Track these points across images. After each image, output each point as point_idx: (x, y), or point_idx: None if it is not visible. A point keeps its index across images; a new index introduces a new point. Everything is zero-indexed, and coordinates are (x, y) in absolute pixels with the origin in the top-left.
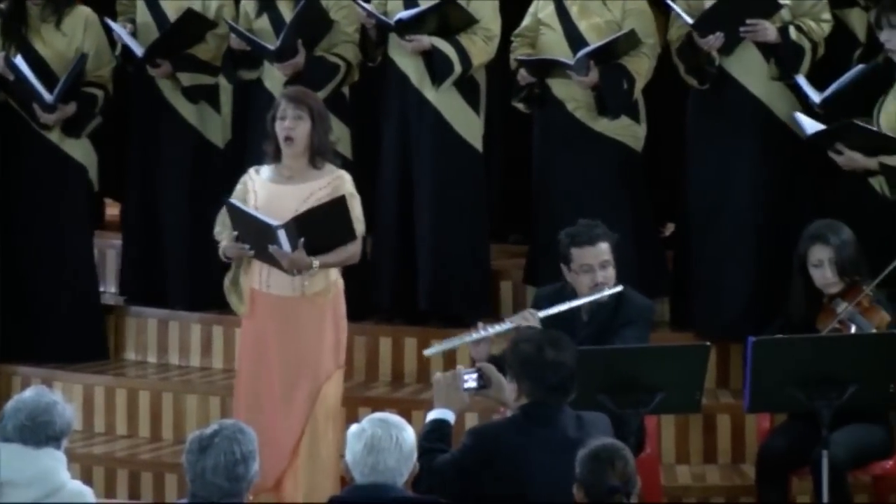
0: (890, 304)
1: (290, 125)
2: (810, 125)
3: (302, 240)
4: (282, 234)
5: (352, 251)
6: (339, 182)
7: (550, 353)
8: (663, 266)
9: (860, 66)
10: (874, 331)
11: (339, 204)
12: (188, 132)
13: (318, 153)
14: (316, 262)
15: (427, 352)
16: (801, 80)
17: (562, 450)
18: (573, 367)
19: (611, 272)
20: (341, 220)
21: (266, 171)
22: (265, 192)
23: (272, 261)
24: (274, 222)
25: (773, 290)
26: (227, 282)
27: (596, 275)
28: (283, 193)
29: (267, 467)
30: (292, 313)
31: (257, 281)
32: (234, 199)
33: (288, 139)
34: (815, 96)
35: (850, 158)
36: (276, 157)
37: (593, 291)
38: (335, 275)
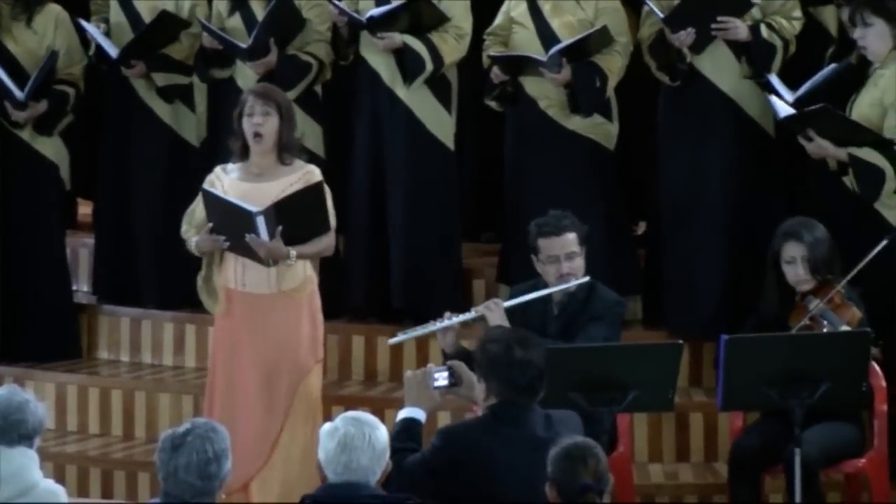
0: (862, 302)
1: (259, 121)
2: (783, 108)
3: (280, 228)
4: (261, 221)
5: (326, 243)
6: (309, 177)
7: (518, 353)
8: (635, 264)
9: (833, 66)
10: (846, 327)
11: (316, 190)
12: (163, 131)
13: (286, 149)
14: (293, 252)
15: (392, 340)
16: (775, 79)
17: (531, 449)
18: (541, 366)
19: (578, 263)
20: (318, 208)
21: (234, 169)
22: (236, 191)
23: (248, 252)
24: (253, 208)
25: (745, 288)
26: (199, 281)
27: (561, 265)
28: (254, 191)
29: (241, 466)
30: (269, 310)
31: (232, 280)
32: (214, 190)
33: (257, 135)
34: (789, 95)
35: (819, 146)
36: (244, 154)
37: (560, 282)
38: (310, 269)
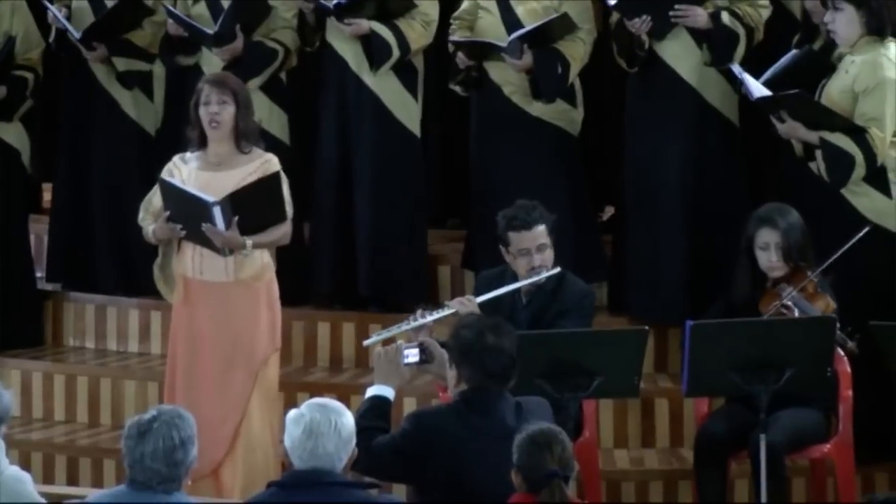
0: (832, 291)
1: (216, 109)
2: (758, 89)
3: (236, 218)
4: (217, 211)
5: (283, 231)
6: (268, 165)
7: (490, 339)
8: (601, 250)
9: (793, 52)
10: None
11: (272, 181)
12: (122, 119)
13: (244, 137)
14: (249, 241)
15: (367, 342)
16: (737, 69)
17: (501, 438)
18: (513, 353)
19: (548, 254)
20: (274, 198)
21: (192, 159)
22: (195, 181)
23: (204, 241)
24: (210, 198)
25: (708, 275)
26: (156, 269)
27: (533, 258)
28: (213, 180)
29: (205, 454)
30: (226, 298)
31: (190, 268)
32: (170, 178)
33: (213, 123)
34: (756, 90)
35: (791, 127)
36: (202, 143)
37: (531, 274)
38: (267, 257)
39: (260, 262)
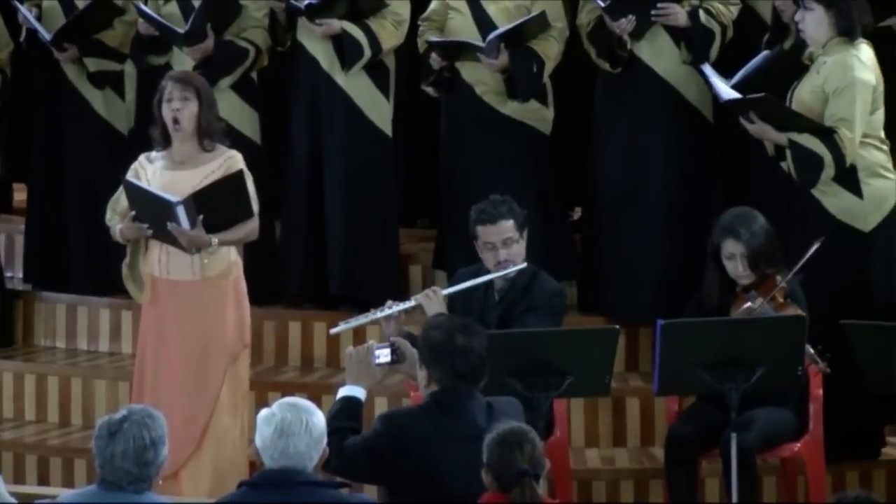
0: (802, 292)
1: (178, 106)
2: (725, 91)
3: (201, 217)
4: (181, 211)
5: (250, 228)
6: (231, 162)
7: (460, 340)
8: (572, 249)
9: (765, 53)
10: None
11: (236, 179)
12: (94, 118)
13: (207, 135)
14: (215, 239)
15: (333, 330)
16: (708, 69)
17: (472, 438)
18: (483, 353)
19: (516, 249)
20: (239, 196)
21: (158, 158)
22: (159, 180)
23: (171, 240)
24: (173, 198)
25: (682, 274)
26: (124, 268)
27: (498, 252)
28: (177, 179)
29: (170, 453)
30: (194, 297)
31: (157, 267)
32: (134, 179)
33: (175, 121)
34: (724, 93)
35: (760, 128)
36: (166, 141)
37: (498, 269)
38: (235, 255)
39: (227, 259)
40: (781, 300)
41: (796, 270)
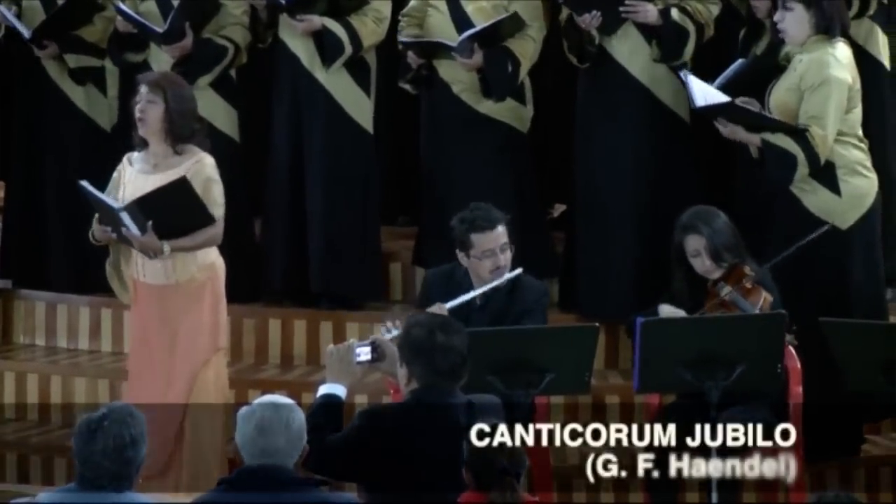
0: (773, 282)
1: (142, 107)
2: (699, 96)
3: (150, 223)
4: (125, 217)
5: (210, 234)
6: (198, 167)
7: (440, 338)
8: (550, 248)
9: (739, 62)
10: (758, 311)
11: (180, 185)
12: (75, 115)
13: (177, 137)
14: (166, 246)
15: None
16: (691, 85)
17: (452, 437)
18: (463, 351)
19: (509, 255)
20: (189, 202)
21: (137, 160)
22: (133, 183)
23: (129, 244)
24: (116, 205)
25: (662, 273)
26: (108, 267)
27: (498, 258)
28: (148, 183)
29: (151, 454)
30: (168, 300)
31: (136, 270)
32: (88, 185)
33: (140, 121)
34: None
35: (732, 130)
36: (143, 143)
37: (495, 275)
38: (212, 257)
39: (202, 263)
40: (749, 286)
41: (774, 262)
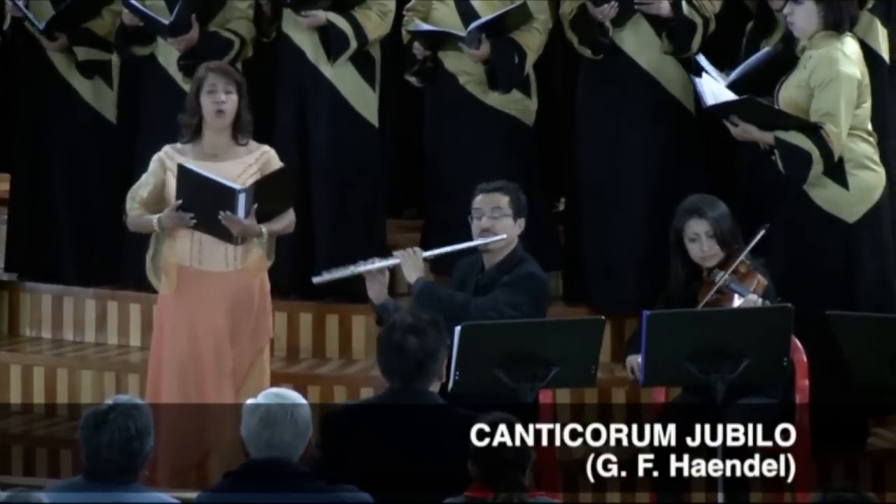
0: (767, 272)
1: (223, 98)
2: (709, 95)
3: (255, 206)
4: (241, 199)
5: (290, 219)
6: (267, 157)
7: (396, 337)
8: (555, 240)
9: (766, 50)
10: (753, 295)
11: (285, 173)
12: (81, 107)
13: (242, 128)
14: (264, 228)
15: (316, 279)
16: (704, 61)
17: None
18: (418, 356)
19: (503, 223)
20: (285, 189)
21: (187, 150)
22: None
23: (214, 230)
24: (236, 186)
25: (666, 264)
26: (148, 259)
27: (483, 220)
28: (214, 171)
29: (198, 441)
30: (225, 288)
31: (187, 257)
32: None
33: (220, 112)
34: (721, 79)
35: (744, 130)
36: (196, 133)
37: (481, 236)
38: (262, 249)
39: (258, 252)
40: (744, 271)
41: (756, 241)
